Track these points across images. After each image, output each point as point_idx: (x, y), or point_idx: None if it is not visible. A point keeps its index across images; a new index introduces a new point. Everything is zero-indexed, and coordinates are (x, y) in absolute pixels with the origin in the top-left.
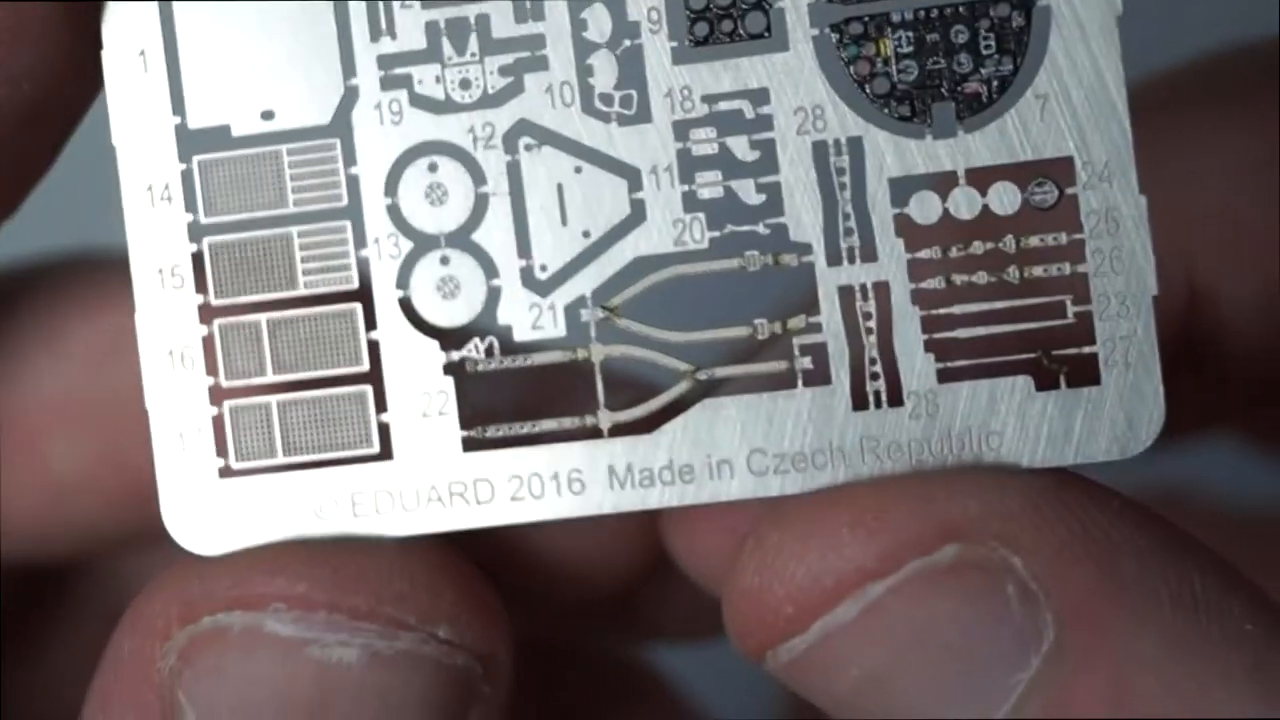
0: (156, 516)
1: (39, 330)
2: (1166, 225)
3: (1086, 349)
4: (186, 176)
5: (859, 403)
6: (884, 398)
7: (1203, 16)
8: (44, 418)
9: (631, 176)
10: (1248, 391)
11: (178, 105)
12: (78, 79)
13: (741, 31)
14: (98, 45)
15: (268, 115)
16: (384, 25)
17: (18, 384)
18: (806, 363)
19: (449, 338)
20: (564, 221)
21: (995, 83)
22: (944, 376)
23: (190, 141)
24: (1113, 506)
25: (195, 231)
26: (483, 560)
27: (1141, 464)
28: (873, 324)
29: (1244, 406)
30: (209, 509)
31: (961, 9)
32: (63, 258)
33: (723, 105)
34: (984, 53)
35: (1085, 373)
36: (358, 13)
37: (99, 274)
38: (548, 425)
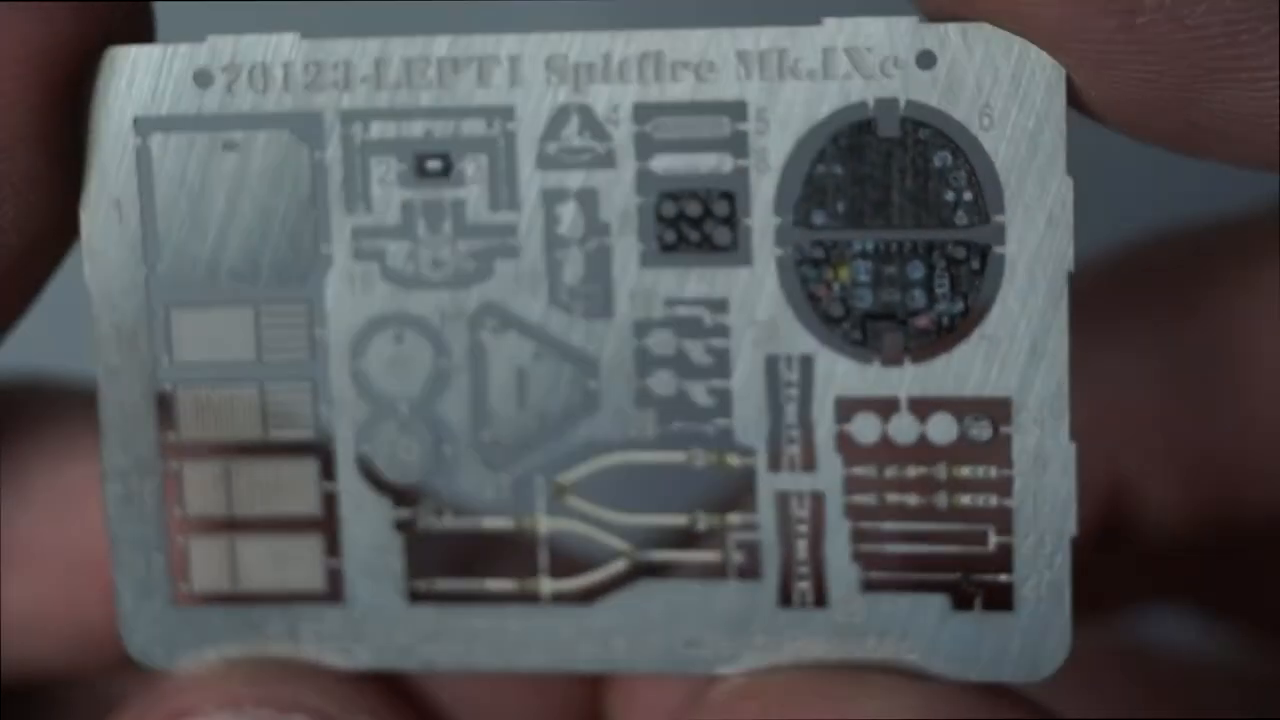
0: (104, 660)
1: (7, 471)
2: (1088, 419)
3: (1003, 577)
4: (156, 324)
5: (785, 600)
6: (809, 598)
7: (1129, 203)
8: (5, 558)
9: (589, 367)
10: (1166, 575)
11: (150, 254)
12: (63, 226)
13: (708, 243)
14: (77, 195)
15: (238, 273)
16: (361, 198)
17: None
18: (739, 557)
19: (401, 495)
20: (521, 403)
21: (945, 320)
22: (867, 586)
23: (161, 290)
24: (1014, 714)
25: (163, 375)
26: (414, 712)
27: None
28: (805, 529)
29: (1162, 588)
30: (166, 635)
31: (920, 247)
32: (17, 383)
33: (683, 310)
34: (938, 290)
35: (1000, 599)
36: (336, 183)
37: (62, 419)
38: (492, 586)
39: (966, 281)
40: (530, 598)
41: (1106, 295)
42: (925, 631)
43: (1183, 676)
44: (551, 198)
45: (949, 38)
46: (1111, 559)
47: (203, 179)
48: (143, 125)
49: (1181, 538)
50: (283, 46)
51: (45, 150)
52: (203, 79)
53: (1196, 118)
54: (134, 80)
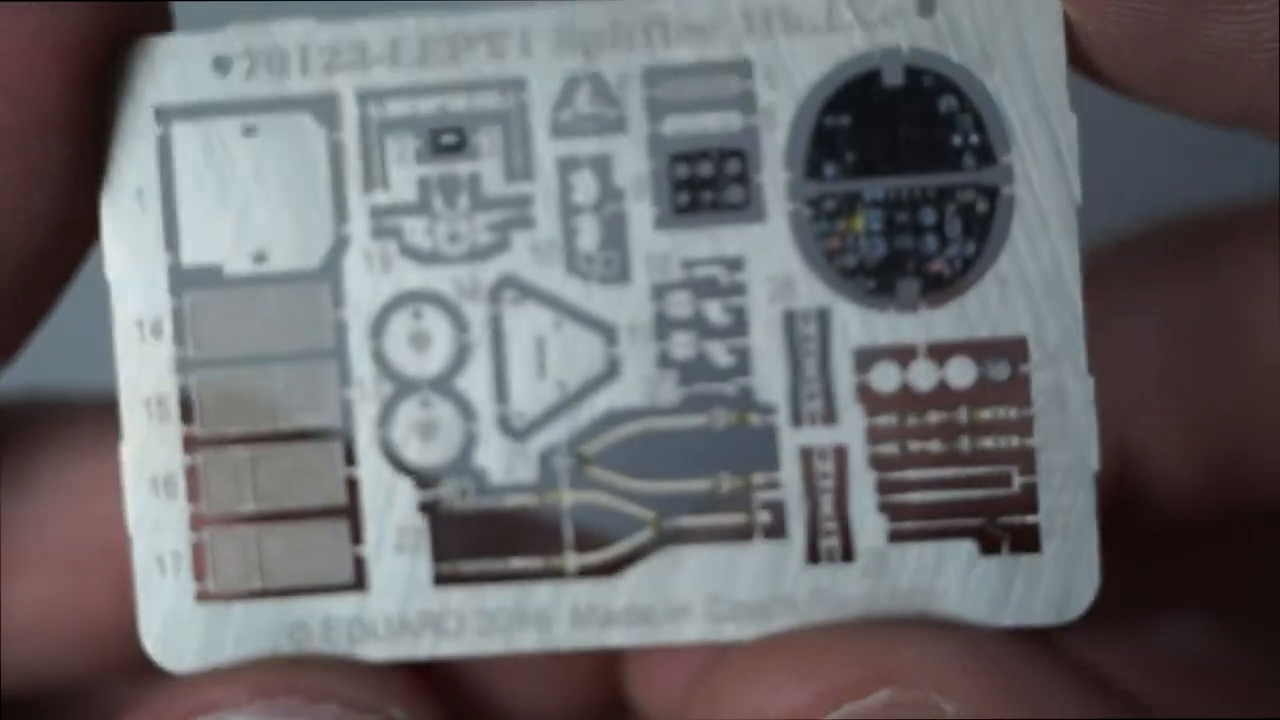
0: (120, 658)
1: (12, 472)
2: (1102, 386)
3: (1029, 518)
4: (177, 312)
5: (812, 557)
6: (837, 554)
7: (1142, 183)
8: (8, 560)
9: (608, 333)
10: (1182, 543)
11: (172, 243)
12: (88, 219)
13: (722, 202)
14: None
15: (259, 257)
16: (378, 177)
17: None
18: (765, 517)
19: (425, 477)
20: (542, 373)
21: (959, 263)
22: (894, 536)
23: (182, 279)
24: (1044, 660)
25: (183, 366)
26: (443, 698)
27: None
28: (830, 484)
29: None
30: (186, 631)
31: (930, 192)
32: (33, 400)
33: (699, 271)
34: (949, 235)
35: (1027, 540)
36: (353, 163)
37: (67, 419)
38: (517, 564)
39: (977, 224)
40: (557, 573)
41: (1112, 267)
42: (954, 579)
43: (1188, 673)
44: (566, 166)
45: None
46: (1123, 539)
47: (223, 165)
48: (164, 114)
49: (1191, 512)
50: (299, 31)
51: (71, 141)
52: (222, 65)
53: (1187, 53)
54: (155, 69)
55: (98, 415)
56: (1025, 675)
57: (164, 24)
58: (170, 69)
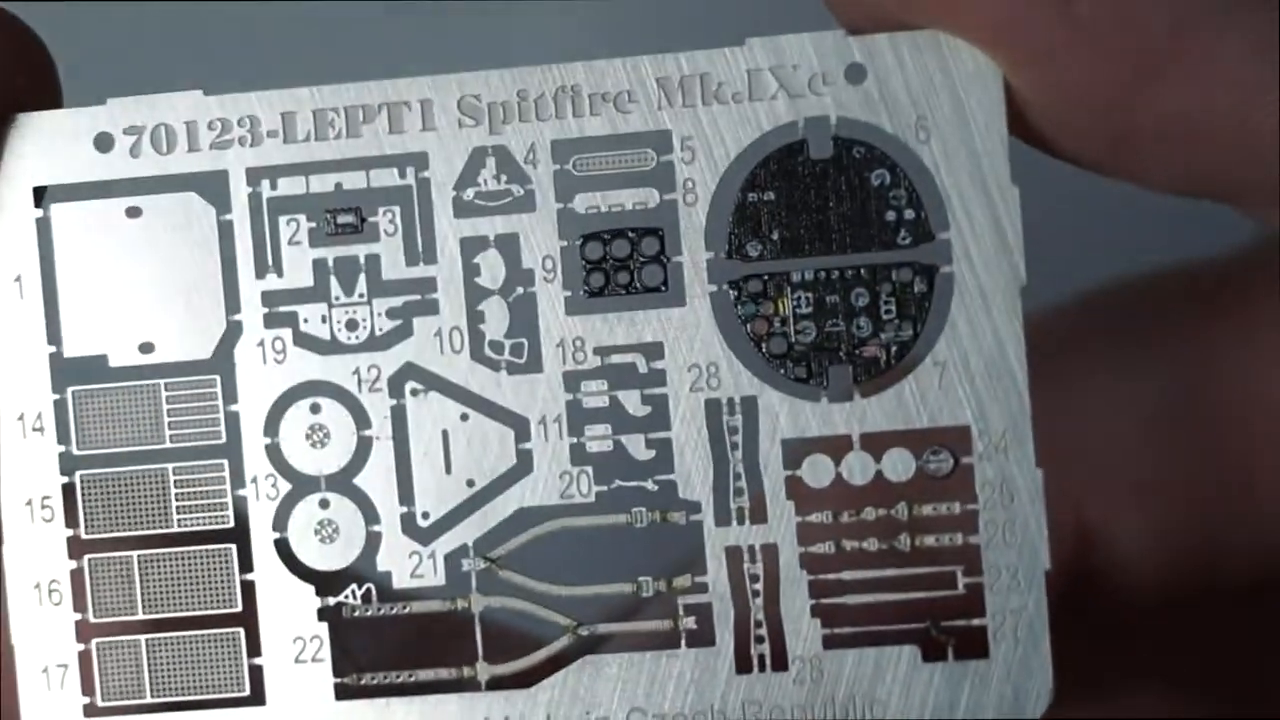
0: None
1: None
2: (1055, 467)
3: (976, 621)
4: (60, 407)
5: (743, 665)
6: (768, 661)
7: (1098, 247)
8: None
9: (519, 426)
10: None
11: (54, 333)
12: None
13: (637, 284)
14: None
15: (146, 348)
16: (270, 261)
17: None
18: (691, 623)
19: (326, 582)
20: (448, 469)
21: (894, 348)
22: (830, 642)
23: (65, 371)
24: None
25: (67, 463)
26: None
27: None
28: (760, 586)
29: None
30: None
31: (863, 271)
32: None
33: (615, 358)
34: (884, 317)
35: (974, 645)
36: (244, 247)
37: None
38: (424, 675)
39: (914, 305)
40: (468, 685)
41: (1075, 336)
42: (896, 687)
43: None
44: (471, 247)
45: (878, 48)
46: (1077, 621)
47: (106, 249)
48: (43, 194)
49: (1154, 593)
50: (185, 104)
51: None
52: (104, 143)
53: (1140, 122)
54: (34, 148)
55: None
56: None
57: (50, 98)
58: (50, 147)
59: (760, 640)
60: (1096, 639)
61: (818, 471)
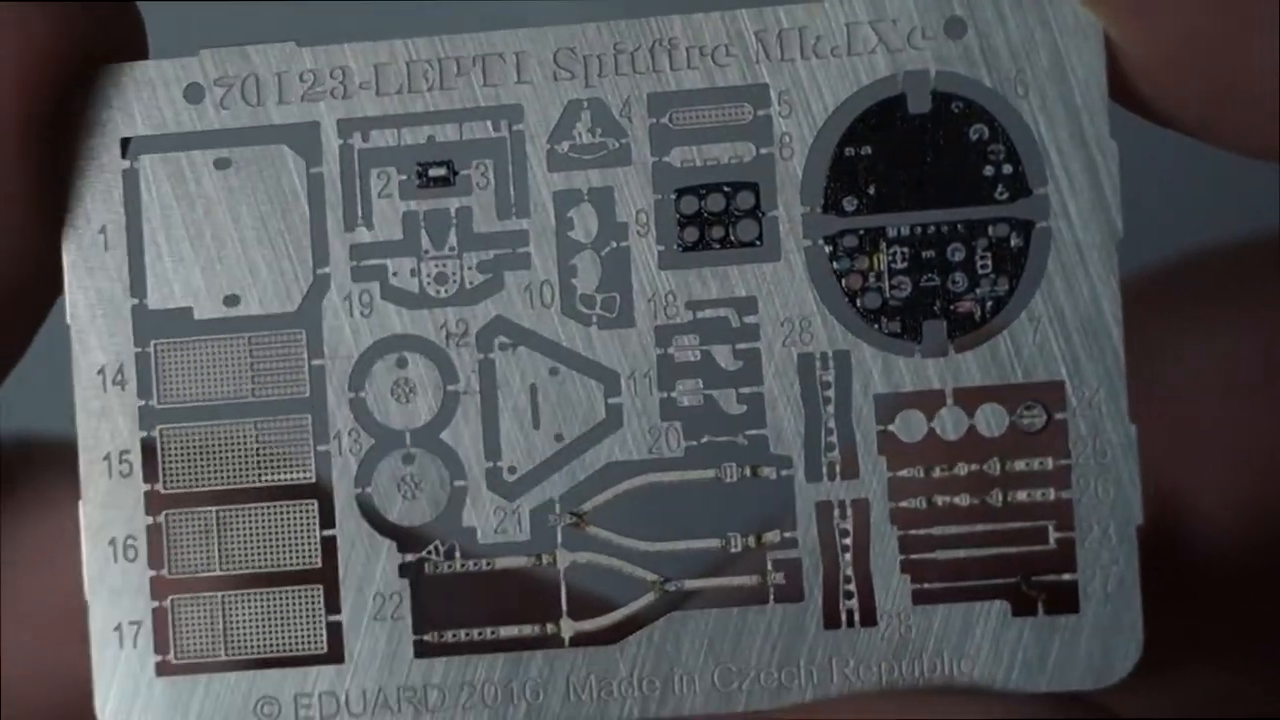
0: None
1: None
2: (1141, 429)
3: (1066, 576)
4: (142, 360)
5: (831, 621)
6: (857, 617)
7: (1190, 211)
8: None
9: (609, 381)
10: (1219, 598)
11: (138, 285)
12: (46, 262)
13: (732, 238)
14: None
15: (232, 300)
16: (360, 214)
17: None
18: (779, 578)
19: (408, 538)
20: (536, 424)
21: (990, 303)
22: (919, 598)
23: (148, 323)
24: None
25: (148, 418)
26: None
27: None
28: (849, 542)
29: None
30: (144, 706)
31: (960, 226)
32: (10, 450)
33: (708, 313)
34: (980, 272)
35: (1064, 600)
36: (333, 200)
37: (33, 467)
38: (507, 632)
39: (1010, 260)
40: (551, 642)
41: (1153, 302)
42: (985, 642)
43: None
44: (564, 200)
45: (978, 2)
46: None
47: (193, 201)
48: (131, 146)
49: (1235, 562)
50: (277, 56)
51: (32, 174)
52: (194, 94)
53: (1236, 78)
54: (122, 99)
55: (63, 463)
56: None
57: (137, 48)
58: (139, 98)
59: (849, 596)
60: (1172, 604)
61: (910, 426)
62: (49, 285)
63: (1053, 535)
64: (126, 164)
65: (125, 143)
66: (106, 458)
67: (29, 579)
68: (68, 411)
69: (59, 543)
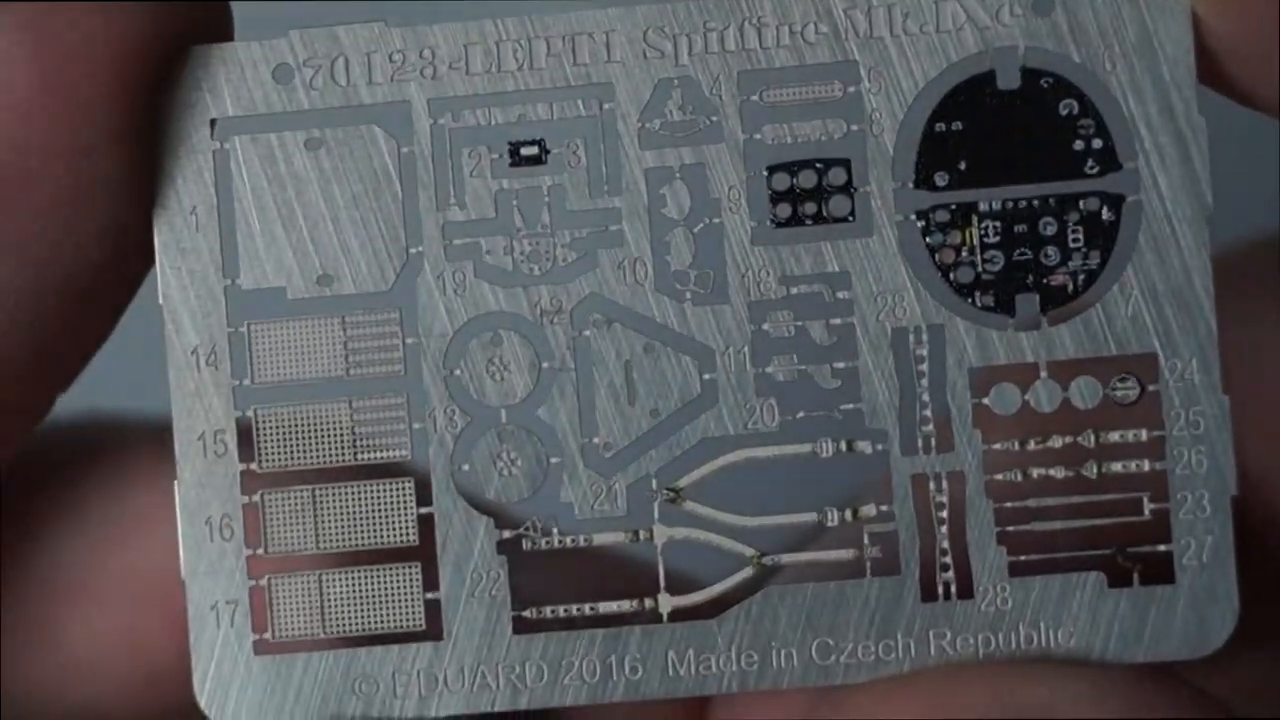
0: (171, 703)
1: (61, 502)
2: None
3: (1162, 547)
4: (236, 340)
5: (928, 594)
6: (954, 590)
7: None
8: (59, 593)
9: (704, 356)
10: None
11: (230, 266)
12: (135, 242)
13: (825, 214)
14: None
15: (325, 280)
16: (452, 192)
17: (35, 556)
18: (876, 552)
19: (505, 515)
20: (631, 400)
21: (1082, 276)
22: (1016, 570)
23: (241, 304)
24: (1182, 699)
25: (243, 398)
26: None
27: None
28: (945, 514)
29: None
30: (242, 685)
31: (1051, 201)
32: (81, 421)
33: (801, 288)
34: (1072, 246)
35: (1159, 571)
36: (425, 179)
37: (126, 445)
38: (605, 608)
39: (1102, 234)
40: (649, 617)
41: (1242, 277)
42: (1082, 613)
43: None
44: (656, 178)
45: None
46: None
47: (285, 181)
48: (221, 127)
49: None
50: (366, 36)
51: (124, 154)
52: (283, 75)
53: None
54: (212, 80)
55: (156, 441)
56: (1164, 715)
57: (224, 31)
58: (229, 78)
59: (946, 569)
60: (1261, 587)
61: (1005, 399)
62: (139, 264)
63: (1147, 506)
64: (217, 145)
65: (214, 123)
66: (201, 437)
67: (121, 556)
68: (161, 391)
69: (152, 517)
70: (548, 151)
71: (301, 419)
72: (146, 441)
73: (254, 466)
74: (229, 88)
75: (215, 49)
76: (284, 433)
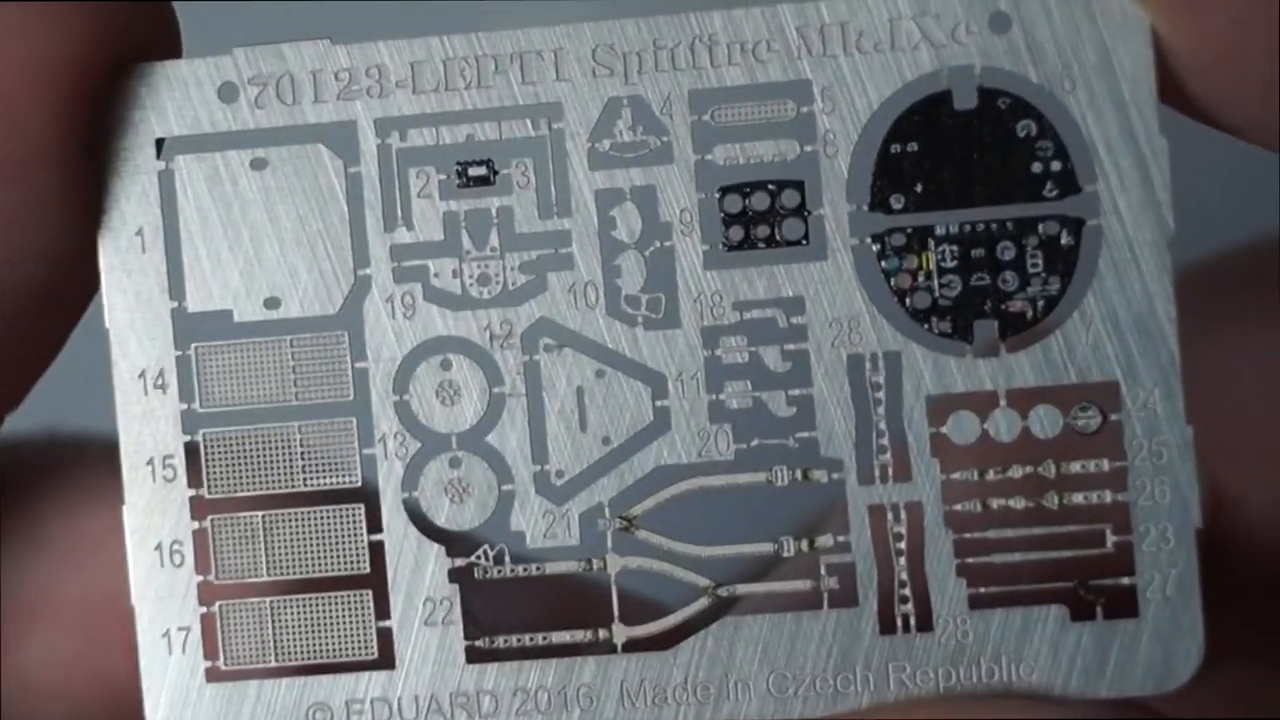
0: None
1: (19, 523)
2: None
3: (1125, 580)
4: (183, 363)
5: (886, 626)
6: (913, 622)
7: (1231, 203)
8: (18, 616)
9: (656, 383)
10: (1267, 594)
11: (176, 288)
12: (80, 262)
13: (778, 238)
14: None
15: (272, 303)
16: (400, 215)
17: None
18: (833, 583)
19: (457, 543)
20: (583, 427)
21: (1041, 302)
22: (976, 602)
23: (188, 327)
24: None
25: (190, 422)
26: None
27: None
28: (904, 545)
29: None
30: (195, 713)
31: (1009, 224)
32: (46, 444)
33: (755, 313)
34: (1031, 271)
35: (1123, 604)
36: (372, 200)
37: (81, 464)
38: (559, 638)
39: (1061, 259)
40: (604, 648)
41: (1201, 298)
42: (1043, 647)
43: None
44: (606, 199)
45: None
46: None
47: (230, 202)
48: (167, 146)
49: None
50: (312, 54)
51: (67, 173)
52: (228, 93)
53: None
54: (156, 98)
55: (111, 461)
56: None
57: (171, 48)
58: (173, 97)
59: (905, 600)
60: (1228, 611)
61: (963, 428)
62: (84, 285)
63: (1110, 538)
64: (162, 164)
65: (160, 143)
66: (150, 462)
67: (77, 578)
68: (108, 413)
69: (108, 536)
70: (496, 172)
71: (250, 444)
72: (103, 461)
73: (203, 492)
74: (173, 106)
75: (160, 67)
76: (233, 458)
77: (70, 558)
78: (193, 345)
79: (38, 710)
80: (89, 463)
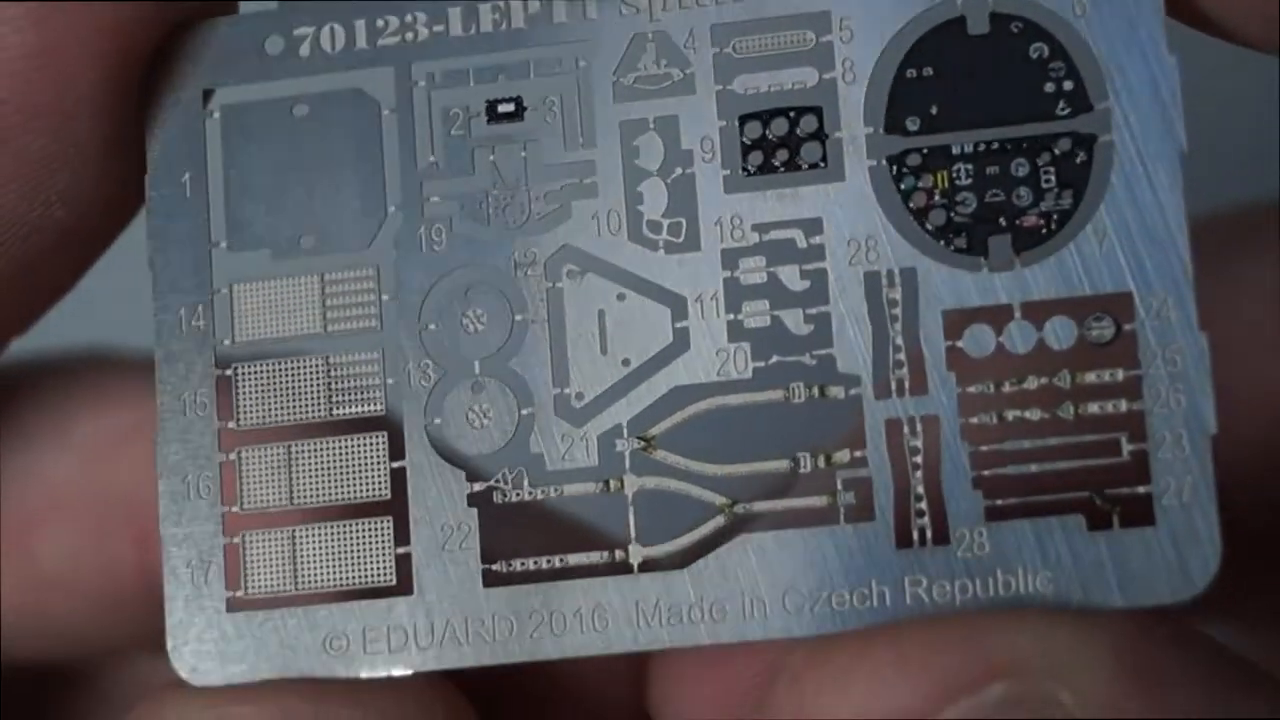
0: (140, 625)
1: (45, 419)
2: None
3: (1141, 488)
4: (220, 302)
5: (903, 540)
6: (929, 535)
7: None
8: (38, 509)
9: (676, 304)
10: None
11: (217, 229)
12: (113, 203)
13: (797, 161)
14: (139, 169)
15: (307, 240)
16: (431, 151)
17: (17, 472)
18: (849, 498)
19: (477, 467)
20: (603, 349)
21: (1055, 216)
22: (992, 514)
23: (227, 265)
24: (1162, 637)
25: (224, 356)
26: (482, 696)
27: None
28: (920, 459)
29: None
30: (214, 641)
31: (1023, 142)
32: (76, 352)
33: (774, 234)
34: (1044, 186)
35: (1139, 513)
36: (402, 137)
37: (111, 369)
38: (575, 559)
39: (1074, 174)
40: (620, 568)
41: (1218, 227)
42: (1060, 559)
43: None
44: (630, 130)
45: None
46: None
47: (271, 146)
48: (210, 95)
49: (1266, 495)
50: (347, 5)
51: (109, 122)
52: (271, 44)
53: None
54: (202, 49)
55: (143, 367)
56: (1146, 658)
57: (227, 5)
58: (217, 49)
59: (921, 514)
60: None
61: (979, 341)
62: (111, 231)
63: (1126, 447)
64: (207, 112)
65: (207, 94)
66: (182, 397)
67: (96, 475)
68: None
69: (129, 435)
70: (524, 109)
71: (280, 375)
72: (133, 367)
73: (232, 425)
74: (218, 57)
75: (208, 20)
76: (263, 390)
77: (92, 455)
78: (230, 284)
79: (43, 599)
80: (122, 367)
